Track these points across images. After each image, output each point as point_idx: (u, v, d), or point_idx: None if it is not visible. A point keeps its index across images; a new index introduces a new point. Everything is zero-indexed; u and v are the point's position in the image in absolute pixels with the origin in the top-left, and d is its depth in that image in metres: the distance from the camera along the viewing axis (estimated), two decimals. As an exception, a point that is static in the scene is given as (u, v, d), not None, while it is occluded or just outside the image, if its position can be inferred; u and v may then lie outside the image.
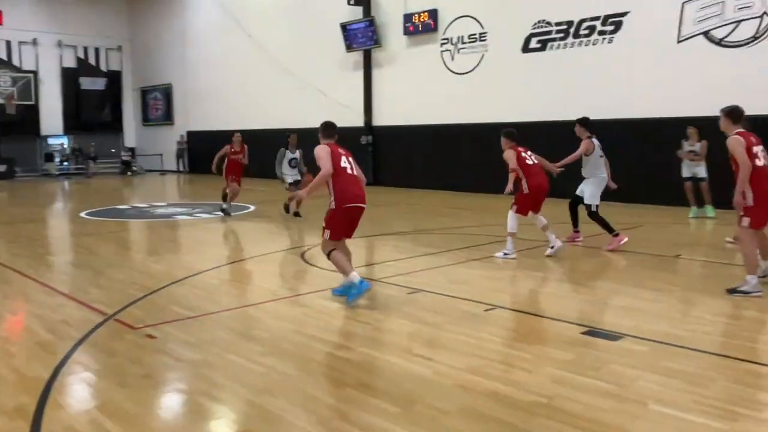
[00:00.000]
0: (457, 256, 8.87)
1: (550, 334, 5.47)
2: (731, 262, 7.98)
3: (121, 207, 15.87)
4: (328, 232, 6.25)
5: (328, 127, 6.64)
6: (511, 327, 5.90)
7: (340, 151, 6.39)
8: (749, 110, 9.92)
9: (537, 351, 4.90)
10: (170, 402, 4.13)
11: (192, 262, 8.76)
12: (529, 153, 8.64)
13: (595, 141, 8.97)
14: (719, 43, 13.00)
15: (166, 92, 29.61)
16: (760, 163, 6.38)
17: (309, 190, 6.72)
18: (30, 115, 27.64)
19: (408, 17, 18.42)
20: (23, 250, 10.03)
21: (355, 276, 6.13)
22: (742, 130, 6.47)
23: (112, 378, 4.46)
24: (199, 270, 8.16)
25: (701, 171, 11.68)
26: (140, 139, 31.46)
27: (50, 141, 28.76)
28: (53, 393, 4.15)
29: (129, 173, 28.93)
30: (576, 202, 9.27)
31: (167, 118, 29.83)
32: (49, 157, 28.46)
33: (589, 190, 8.96)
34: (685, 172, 11.92)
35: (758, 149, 6.47)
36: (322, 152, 6.23)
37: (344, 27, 19.84)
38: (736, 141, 6.28)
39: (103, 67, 30.60)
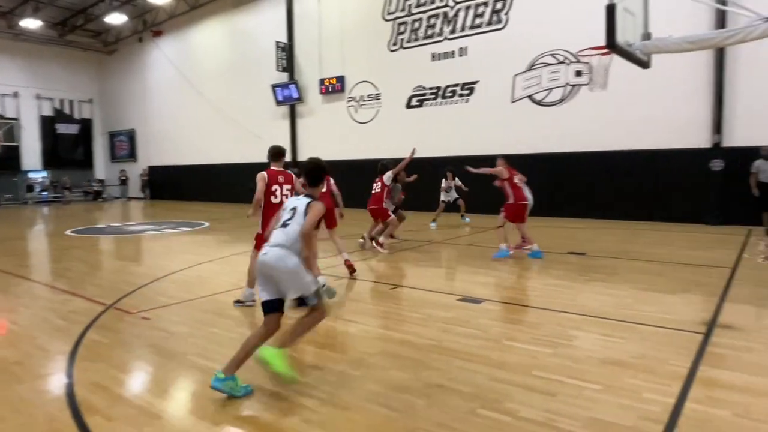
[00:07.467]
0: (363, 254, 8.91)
1: (436, 302, 5.62)
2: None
3: (99, 226, 14.96)
4: None
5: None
6: (409, 298, 5.94)
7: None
8: (565, 149, 10.79)
9: (428, 312, 5.17)
10: (173, 361, 4.00)
11: (166, 265, 8.17)
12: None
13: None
14: (539, 103, 13.97)
15: (130, 135, 28.10)
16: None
17: None
18: (13, 154, 25.45)
19: (321, 81, 18.65)
20: (22, 260, 9.36)
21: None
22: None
23: (122, 347, 4.37)
24: (173, 270, 7.80)
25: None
26: (108, 172, 29.62)
27: (31, 175, 26.59)
28: (77, 360, 4.02)
29: (100, 200, 27.18)
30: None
31: (131, 155, 28.31)
32: (30, 188, 26.32)
33: None
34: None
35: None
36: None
37: (274, 87, 19.79)
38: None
39: (76, 116, 28.59)
